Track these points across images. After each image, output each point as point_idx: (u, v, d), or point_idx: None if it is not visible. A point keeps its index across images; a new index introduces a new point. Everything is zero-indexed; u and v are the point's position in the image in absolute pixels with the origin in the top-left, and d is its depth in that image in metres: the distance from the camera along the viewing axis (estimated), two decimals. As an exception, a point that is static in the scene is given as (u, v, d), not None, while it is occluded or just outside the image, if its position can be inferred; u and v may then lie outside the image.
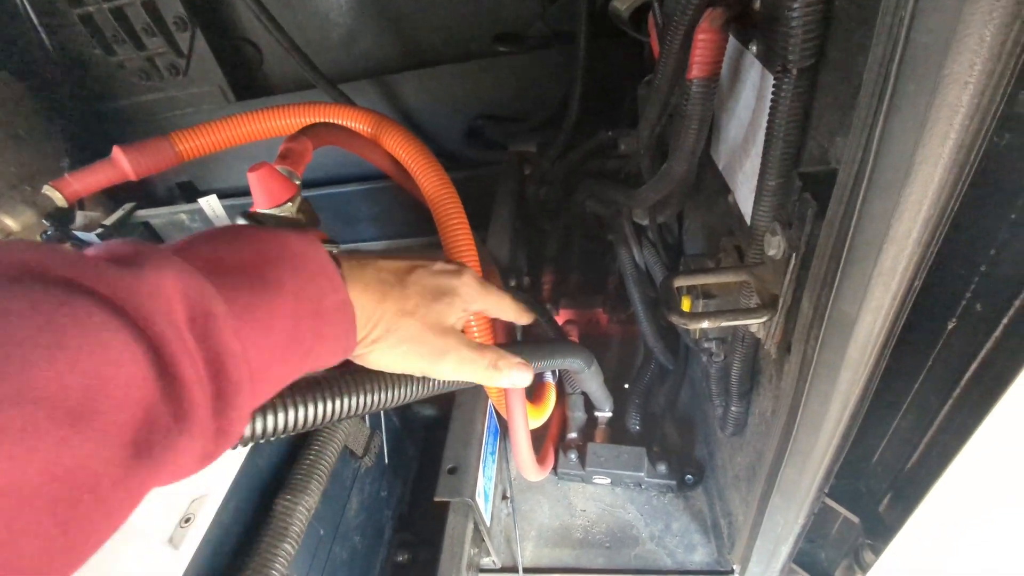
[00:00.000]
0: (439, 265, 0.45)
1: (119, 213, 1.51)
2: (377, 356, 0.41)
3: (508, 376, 0.46)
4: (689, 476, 0.97)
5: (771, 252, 0.46)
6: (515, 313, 0.53)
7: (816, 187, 0.42)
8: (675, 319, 0.48)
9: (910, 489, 0.53)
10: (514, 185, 1.29)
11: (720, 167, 0.75)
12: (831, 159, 0.43)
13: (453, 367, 0.43)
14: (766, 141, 0.48)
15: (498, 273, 0.86)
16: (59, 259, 0.25)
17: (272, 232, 0.34)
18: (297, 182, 0.62)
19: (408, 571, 0.83)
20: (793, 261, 0.43)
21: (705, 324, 0.48)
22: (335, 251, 0.39)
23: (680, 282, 0.51)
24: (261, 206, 0.59)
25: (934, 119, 0.29)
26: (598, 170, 1.14)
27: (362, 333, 0.39)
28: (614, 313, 1.23)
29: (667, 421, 1.07)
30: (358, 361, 0.41)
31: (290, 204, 0.60)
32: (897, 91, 0.30)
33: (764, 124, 0.56)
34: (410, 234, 1.63)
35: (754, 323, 0.49)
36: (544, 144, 1.34)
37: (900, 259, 0.36)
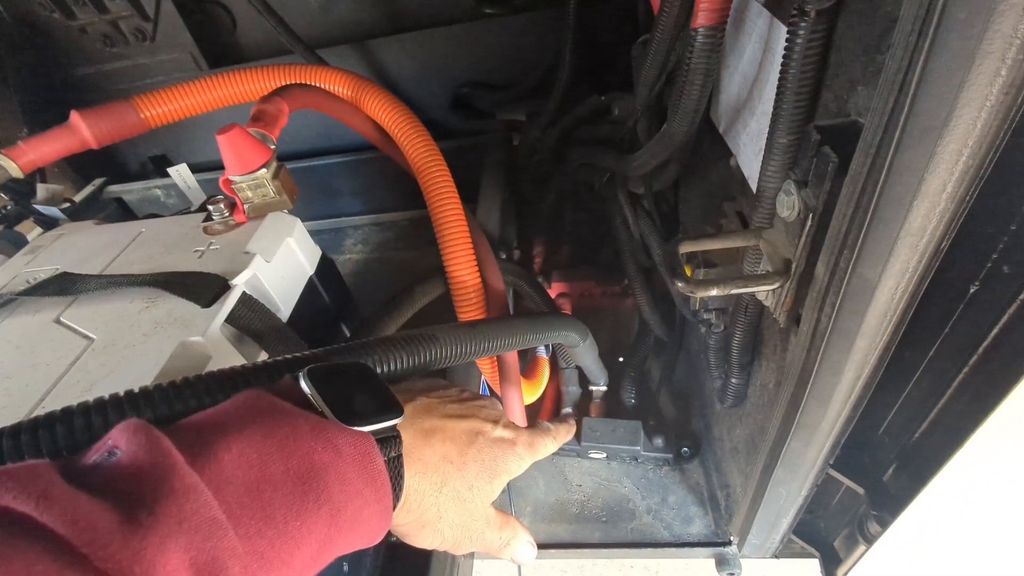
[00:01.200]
0: (498, 432, 0.41)
1: (89, 189, 1.44)
2: (419, 540, 0.38)
3: (511, 556, 0.43)
4: (685, 449, 0.96)
5: (784, 214, 0.43)
6: (557, 446, 0.49)
7: (836, 141, 0.39)
8: (681, 286, 0.45)
9: (921, 460, 0.51)
10: (502, 155, 1.24)
11: (721, 130, 0.71)
12: (850, 110, 0.40)
13: (476, 545, 0.41)
14: (778, 95, 0.45)
15: (489, 245, 0.83)
16: (56, 513, 0.21)
17: (324, 433, 0.30)
18: (272, 146, 0.57)
19: (401, 551, 0.81)
20: (809, 223, 0.40)
21: (713, 292, 0.45)
22: (396, 423, 0.34)
23: (685, 248, 0.48)
24: (233, 172, 0.54)
25: (984, 52, 0.26)
26: (590, 137, 1.10)
27: (409, 517, 0.36)
28: (607, 285, 1.21)
29: (662, 394, 1.05)
30: (401, 537, 0.39)
31: (264, 170, 0.55)
32: (944, 22, 0.26)
33: (772, 78, 0.53)
34: (395, 208, 1.58)
35: (764, 290, 0.46)
36: (533, 112, 1.29)
37: (931, 217, 0.33)
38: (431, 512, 0.37)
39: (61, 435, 0.29)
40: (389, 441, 0.33)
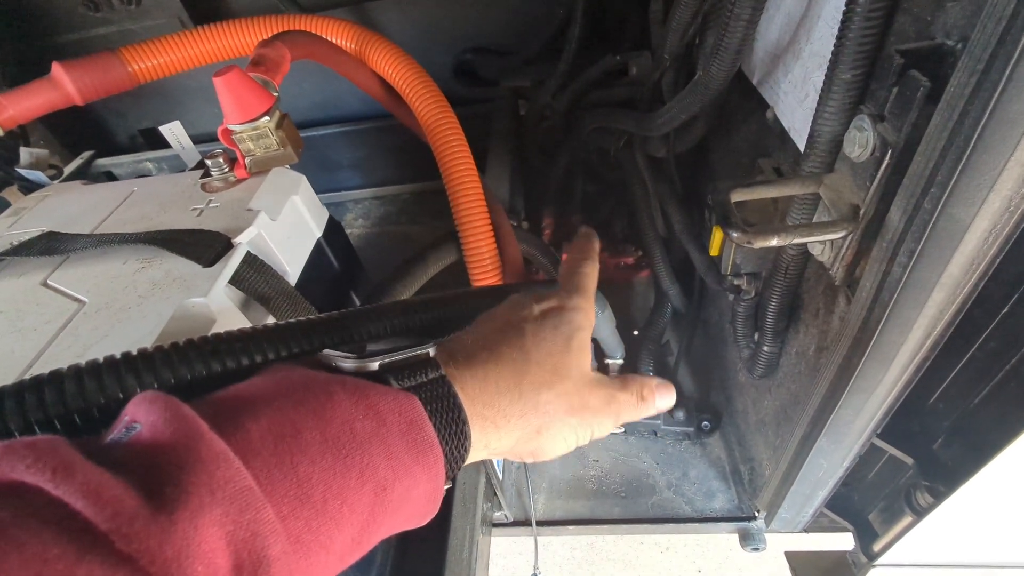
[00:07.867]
0: (540, 306, 0.36)
1: (77, 162, 1.38)
2: (548, 451, 0.33)
3: (654, 405, 0.38)
4: (706, 422, 0.92)
5: (854, 153, 0.39)
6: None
7: (922, 66, 0.34)
8: (737, 236, 0.41)
9: (984, 429, 0.48)
10: (509, 123, 1.19)
11: (755, 80, 0.66)
12: (935, 32, 0.35)
13: (610, 418, 0.35)
14: (843, 24, 0.40)
15: (503, 210, 0.78)
16: (75, 485, 0.18)
17: (364, 399, 0.26)
18: (275, 93, 0.52)
19: (421, 529, 0.77)
20: (886, 160, 0.36)
21: (774, 242, 0.41)
22: (441, 373, 0.29)
23: (737, 195, 0.44)
24: (233, 120, 0.49)
25: None
26: (604, 101, 1.04)
27: (511, 438, 0.31)
28: (620, 256, 1.16)
29: (681, 367, 1.02)
30: (528, 460, 0.34)
31: (267, 119, 0.50)
32: None
33: (826, 13, 0.48)
34: (397, 181, 1.53)
35: (829, 239, 0.42)
36: (539, 79, 1.23)
37: (1048, 141, 0.29)
38: (532, 418, 0.31)
39: (70, 395, 0.25)
40: (422, 364, 0.29)
